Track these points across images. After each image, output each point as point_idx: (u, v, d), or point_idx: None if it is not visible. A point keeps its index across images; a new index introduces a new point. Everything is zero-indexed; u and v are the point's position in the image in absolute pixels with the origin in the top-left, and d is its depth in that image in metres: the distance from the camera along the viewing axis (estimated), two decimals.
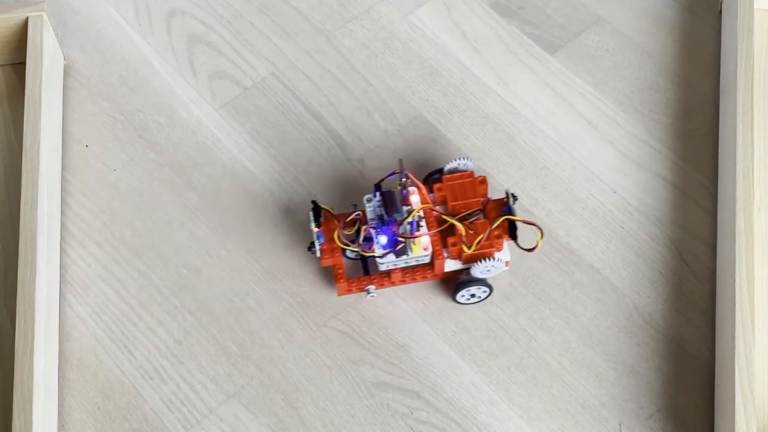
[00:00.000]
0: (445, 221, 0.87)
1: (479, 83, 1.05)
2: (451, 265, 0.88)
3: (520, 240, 0.87)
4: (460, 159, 0.91)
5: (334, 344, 0.89)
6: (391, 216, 0.87)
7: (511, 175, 0.99)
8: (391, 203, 0.88)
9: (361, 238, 0.86)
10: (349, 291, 0.89)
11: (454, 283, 0.89)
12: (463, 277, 0.89)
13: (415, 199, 0.88)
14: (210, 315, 0.91)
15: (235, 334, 0.90)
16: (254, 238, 0.95)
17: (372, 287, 0.89)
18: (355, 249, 0.86)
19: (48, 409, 0.82)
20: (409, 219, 0.86)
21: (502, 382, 0.88)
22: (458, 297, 0.90)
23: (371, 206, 0.88)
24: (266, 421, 0.86)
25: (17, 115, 0.99)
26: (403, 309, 0.91)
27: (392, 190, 0.89)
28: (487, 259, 0.87)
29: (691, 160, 1.00)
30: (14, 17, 0.98)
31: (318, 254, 0.87)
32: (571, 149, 1.00)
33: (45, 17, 0.98)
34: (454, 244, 0.87)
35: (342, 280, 0.88)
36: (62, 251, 0.94)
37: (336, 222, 0.88)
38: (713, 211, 0.96)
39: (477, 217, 0.89)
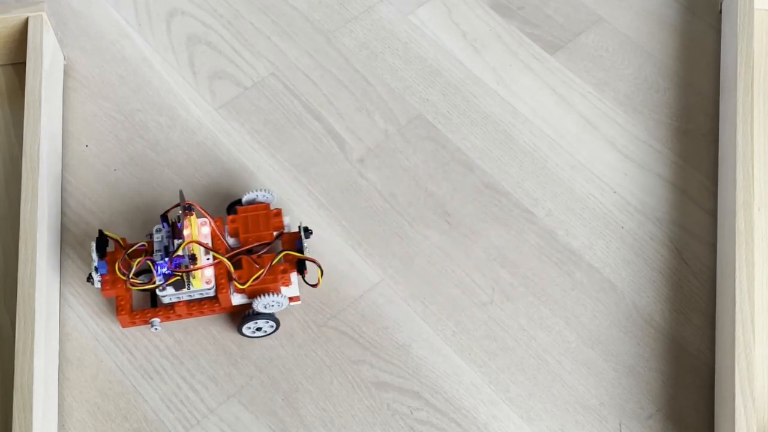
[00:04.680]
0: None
1: (479, 83, 1.05)
2: (238, 299, 0.87)
3: (309, 277, 0.87)
4: (259, 190, 0.91)
5: (334, 344, 0.89)
6: (176, 246, 0.85)
7: (511, 175, 0.99)
8: (179, 235, 0.85)
9: (133, 271, 0.83)
10: (133, 323, 0.88)
11: (241, 315, 0.88)
12: (250, 310, 0.87)
13: (186, 232, 0.85)
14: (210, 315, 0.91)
15: (235, 334, 0.90)
16: None
17: (156, 320, 0.87)
18: (132, 281, 0.84)
19: (48, 409, 0.82)
20: (179, 252, 0.84)
21: (502, 382, 0.88)
22: (244, 329, 0.88)
23: (159, 237, 0.86)
24: (266, 421, 0.86)
25: (17, 115, 0.99)
26: (403, 309, 0.91)
27: (181, 221, 0.86)
28: (269, 294, 0.85)
29: (691, 160, 1.00)
30: (14, 17, 0.98)
31: (98, 285, 0.86)
32: (571, 149, 1.00)
33: (45, 17, 0.98)
34: (239, 277, 0.85)
35: (123, 312, 0.86)
36: (62, 251, 0.94)
37: (121, 249, 0.86)
38: (713, 211, 0.96)
39: (267, 250, 0.88)
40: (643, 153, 1.00)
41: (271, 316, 0.87)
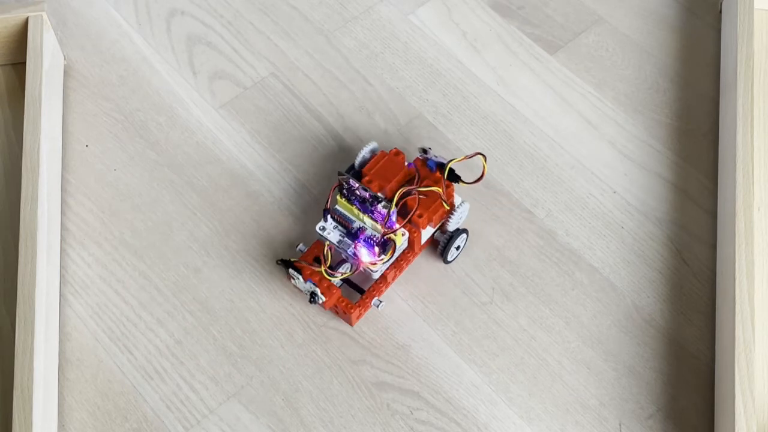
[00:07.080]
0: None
1: (479, 83, 1.05)
2: (425, 234, 0.90)
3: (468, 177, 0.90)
4: (364, 147, 0.92)
5: (334, 344, 0.89)
6: (352, 229, 0.86)
7: (511, 175, 0.99)
8: (344, 217, 0.87)
9: (351, 255, 0.86)
10: (360, 315, 0.89)
11: (438, 249, 0.91)
12: (443, 237, 0.90)
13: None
14: (210, 315, 0.91)
15: (235, 334, 0.90)
16: (254, 238, 0.95)
17: (376, 299, 0.89)
18: (347, 273, 0.86)
19: (48, 409, 0.82)
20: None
21: (502, 382, 0.88)
22: (449, 257, 0.92)
23: (327, 230, 0.87)
24: (266, 421, 0.86)
25: (17, 115, 0.99)
26: (403, 309, 0.91)
27: (334, 207, 0.88)
28: (453, 212, 0.89)
29: (691, 160, 1.00)
30: (14, 17, 0.98)
31: (322, 301, 0.87)
32: (571, 149, 1.00)
33: (45, 17, 0.98)
34: (420, 216, 0.88)
35: (353, 309, 0.87)
36: (62, 251, 0.94)
37: (307, 265, 0.87)
38: (713, 211, 0.96)
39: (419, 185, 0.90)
40: (643, 153, 1.00)
41: (459, 230, 0.91)
